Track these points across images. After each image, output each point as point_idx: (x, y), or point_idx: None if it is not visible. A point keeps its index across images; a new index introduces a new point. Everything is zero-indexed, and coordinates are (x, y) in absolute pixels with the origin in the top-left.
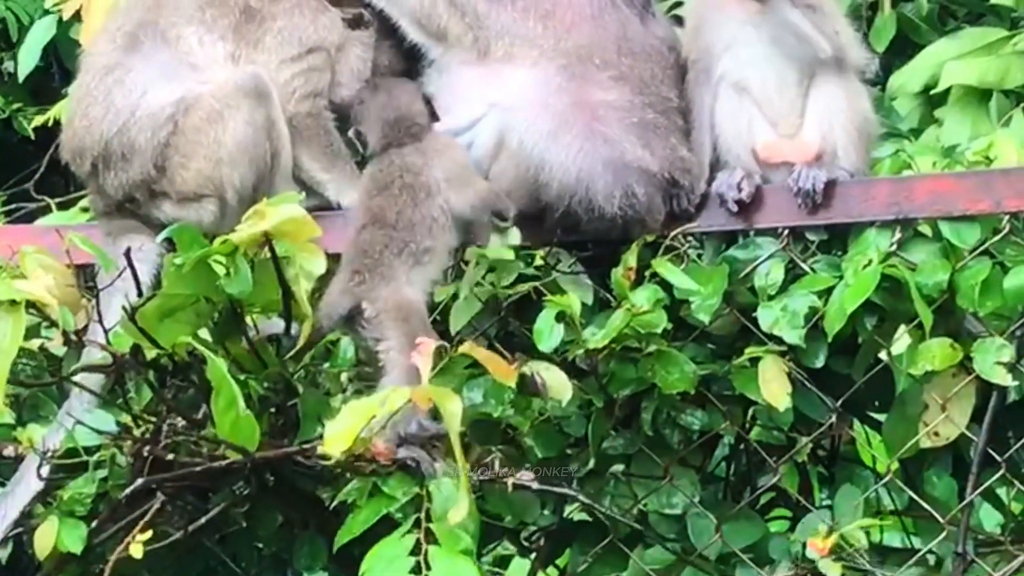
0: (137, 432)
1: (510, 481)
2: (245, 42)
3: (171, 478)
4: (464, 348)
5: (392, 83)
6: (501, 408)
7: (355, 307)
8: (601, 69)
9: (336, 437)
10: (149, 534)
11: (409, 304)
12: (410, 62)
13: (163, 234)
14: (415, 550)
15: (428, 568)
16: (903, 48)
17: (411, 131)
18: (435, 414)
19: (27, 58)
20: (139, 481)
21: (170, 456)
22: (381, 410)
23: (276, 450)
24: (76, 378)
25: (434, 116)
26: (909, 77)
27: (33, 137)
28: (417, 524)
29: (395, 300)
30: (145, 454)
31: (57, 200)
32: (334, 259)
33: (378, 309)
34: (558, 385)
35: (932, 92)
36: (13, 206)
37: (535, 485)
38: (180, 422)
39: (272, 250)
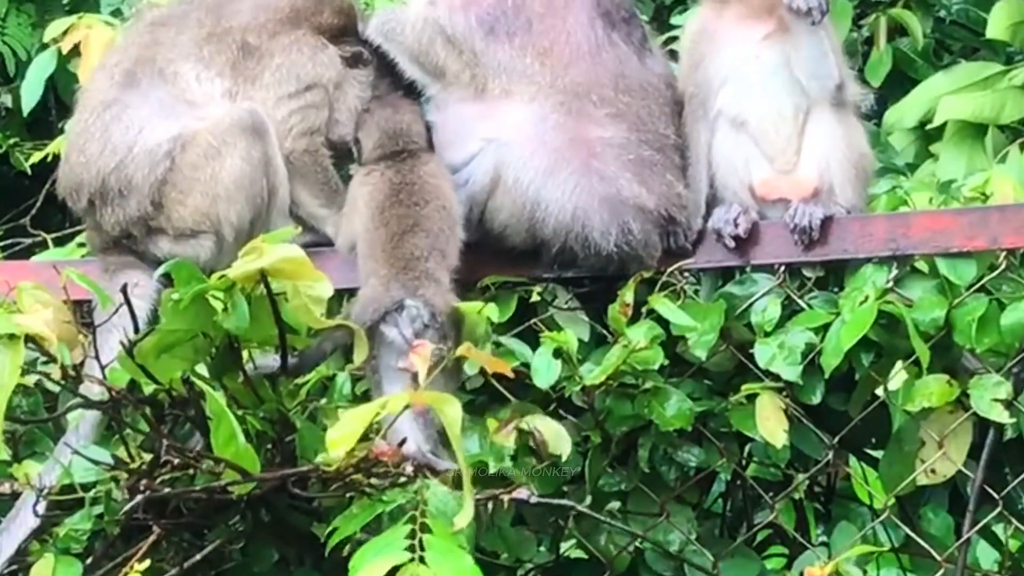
0: (133, 467)
1: (507, 497)
2: (243, 79)
3: (168, 512)
4: (462, 350)
5: (399, 100)
6: (500, 464)
7: (399, 303)
8: (598, 106)
9: (339, 440)
10: (147, 563)
11: (455, 309)
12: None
13: (160, 270)
14: (410, 536)
15: (423, 549)
16: (899, 83)
17: (408, 147)
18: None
19: (30, 94)
20: (139, 499)
21: (167, 490)
22: (382, 413)
23: (275, 476)
24: (73, 414)
25: (431, 146)
26: (905, 112)
27: (29, 171)
28: (412, 520)
29: (445, 302)
30: (141, 488)
31: (54, 235)
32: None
33: (432, 310)
34: (557, 439)
35: (928, 127)
36: (9, 240)
37: (533, 499)
38: (176, 459)
39: (268, 287)
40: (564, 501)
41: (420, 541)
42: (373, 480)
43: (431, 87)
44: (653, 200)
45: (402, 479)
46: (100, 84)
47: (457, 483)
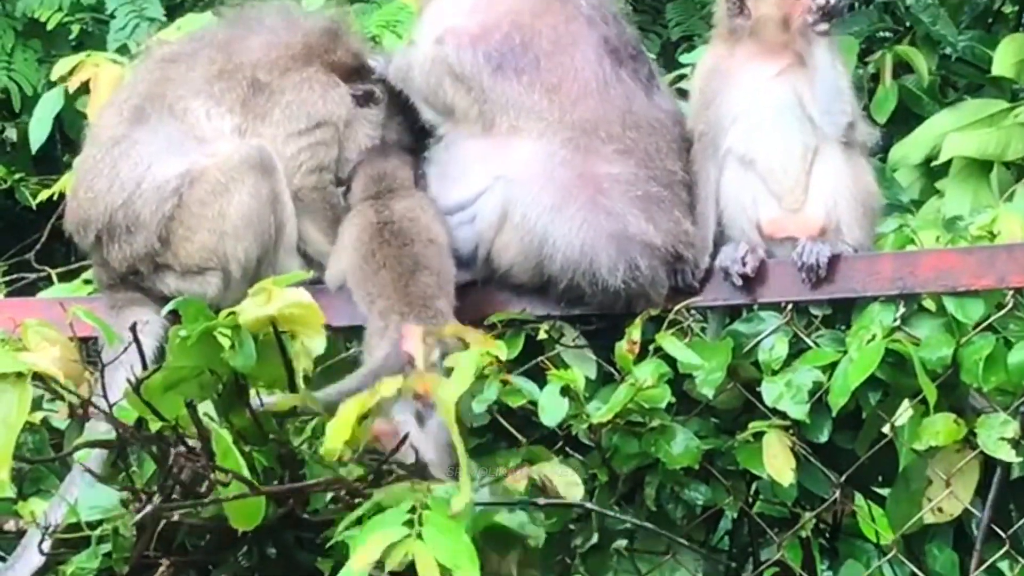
0: (140, 505)
1: (507, 483)
2: (253, 115)
3: (175, 548)
4: (450, 330)
5: (388, 147)
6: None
7: None
8: (606, 143)
9: (336, 430)
10: None
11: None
12: (419, 139)
13: (168, 307)
14: (410, 513)
15: (421, 526)
16: (904, 119)
17: (391, 187)
18: None
19: (37, 132)
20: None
21: (176, 515)
22: (375, 398)
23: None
24: (79, 452)
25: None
26: (910, 148)
27: (35, 206)
28: (413, 503)
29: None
30: (148, 524)
31: (59, 270)
32: (336, 333)
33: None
34: (568, 486)
35: (933, 164)
36: (15, 275)
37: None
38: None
39: (277, 334)
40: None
41: (419, 517)
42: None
43: (441, 126)
44: (660, 237)
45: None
46: (109, 120)
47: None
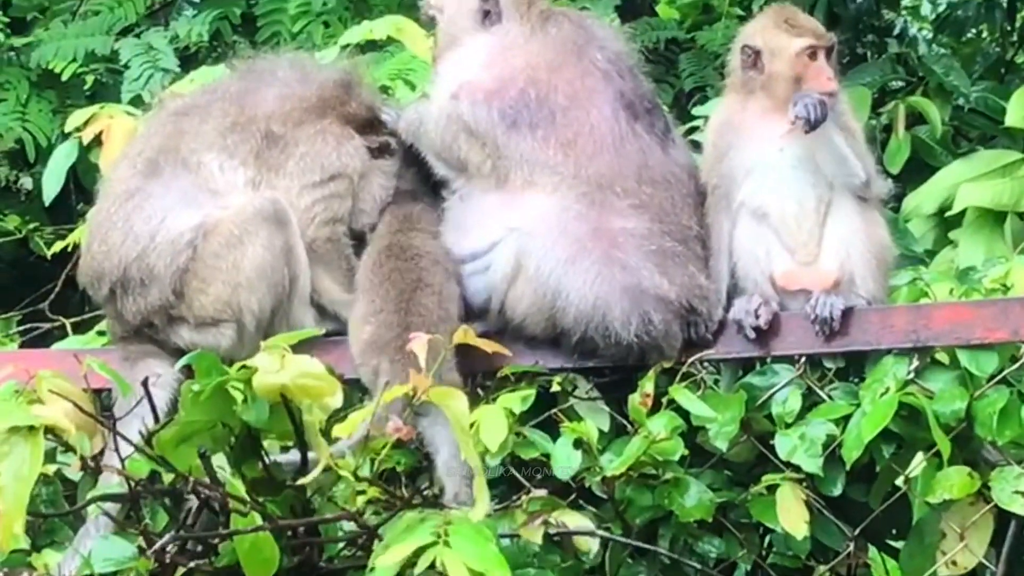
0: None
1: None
2: (267, 167)
3: None
4: (458, 336)
5: (418, 193)
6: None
7: None
8: (621, 197)
9: (346, 424)
10: None
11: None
12: (434, 191)
13: (181, 362)
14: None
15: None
16: (917, 170)
17: (414, 227)
18: None
19: (51, 184)
20: None
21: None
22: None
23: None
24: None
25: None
26: (924, 199)
27: (49, 256)
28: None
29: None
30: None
31: (73, 320)
32: (349, 384)
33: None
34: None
35: (947, 214)
36: (28, 325)
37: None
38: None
39: (286, 402)
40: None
41: (445, 530)
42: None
43: (455, 180)
44: (675, 291)
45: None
46: (122, 173)
47: None
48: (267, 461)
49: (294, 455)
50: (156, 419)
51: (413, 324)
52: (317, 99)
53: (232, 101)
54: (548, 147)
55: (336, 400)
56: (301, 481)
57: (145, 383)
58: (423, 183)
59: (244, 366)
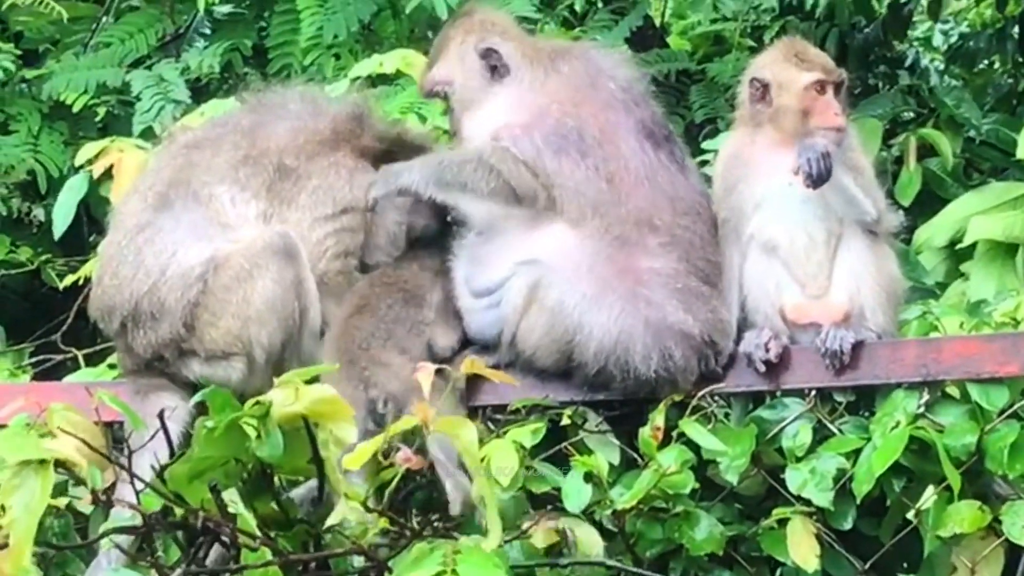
0: None
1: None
2: (279, 200)
3: None
4: (466, 367)
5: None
6: None
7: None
8: (654, 234)
9: (355, 457)
10: None
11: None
12: (447, 223)
13: (196, 398)
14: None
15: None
16: (928, 202)
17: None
18: None
19: (62, 217)
20: None
21: None
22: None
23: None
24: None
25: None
26: (935, 231)
27: (61, 288)
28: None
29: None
30: None
31: (85, 351)
32: None
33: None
34: (588, 541)
35: (958, 246)
36: (40, 356)
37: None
38: None
39: (308, 428)
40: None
41: (454, 559)
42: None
43: (485, 218)
44: (698, 327)
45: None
46: (133, 207)
47: None
48: (280, 496)
49: (305, 489)
50: (171, 452)
51: (343, 346)
52: (331, 132)
53: (244, 134)
54: (600, 178)
55: (351, 433)
56: (327, 523)
57: (161, 415)
58: (435, 218)
59: (258, 402)
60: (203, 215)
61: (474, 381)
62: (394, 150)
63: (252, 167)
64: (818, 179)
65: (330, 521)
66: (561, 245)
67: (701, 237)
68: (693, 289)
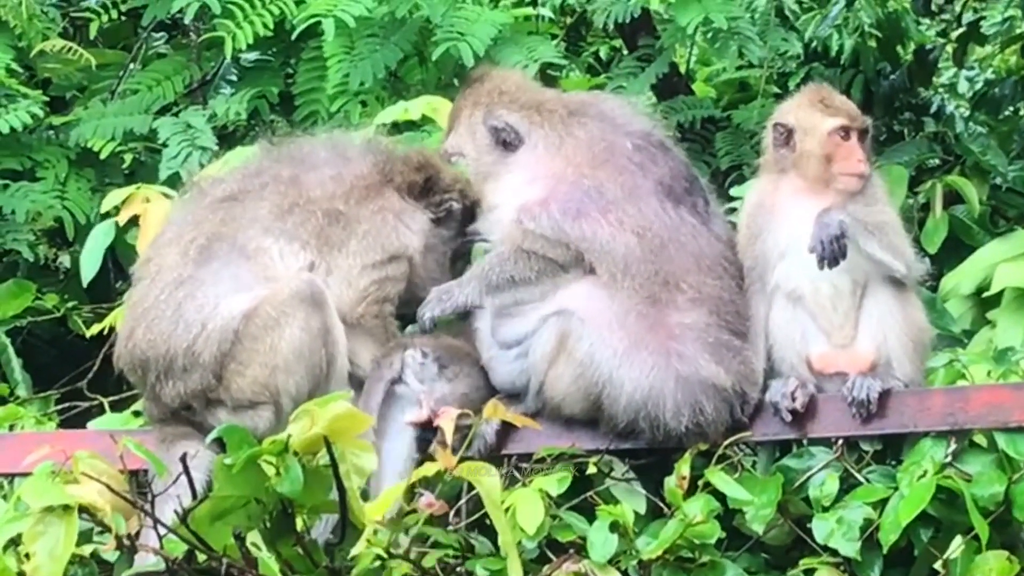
0: None
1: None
2: (328, 246)
3: None
4: (488, 411)
5: None
6: None
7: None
8: (682, 291)
9: (378, 506)
10: None
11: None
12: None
13: (212, 435)
14: None
15: None
16: (955, 249)
17: None
18: None
19: (89, 265)
20: None
21: None
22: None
23: None
24: None
25: None
26: (961, 279)
27: (87, 335)
28: None
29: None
30: None
31: (111, 399)
32: None
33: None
34: None
35: (984, 294)
36: (67, 404)
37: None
38: None
39: (330, 451)
40: None
41: None
42: None
43: (543, 296)
44: (730, 379)
45: None
46: (172, 260)
47: None
48: (303, 538)
49: (326, 525)
50: (194, 495)
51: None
52: (374, 174)
53: (287, 184)
54: (626, 231)
55: (371, 462)
56: (352, 553)
57: (183, 458)
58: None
59: (276, 440)
60: (248, 268)
61: (501, 430)
62: (430, 175)
63: (300, 215)
64: (832, 262)
65: (354, 552)
66: (591, 298)
67: (729, 290)
68: (724, 342)
